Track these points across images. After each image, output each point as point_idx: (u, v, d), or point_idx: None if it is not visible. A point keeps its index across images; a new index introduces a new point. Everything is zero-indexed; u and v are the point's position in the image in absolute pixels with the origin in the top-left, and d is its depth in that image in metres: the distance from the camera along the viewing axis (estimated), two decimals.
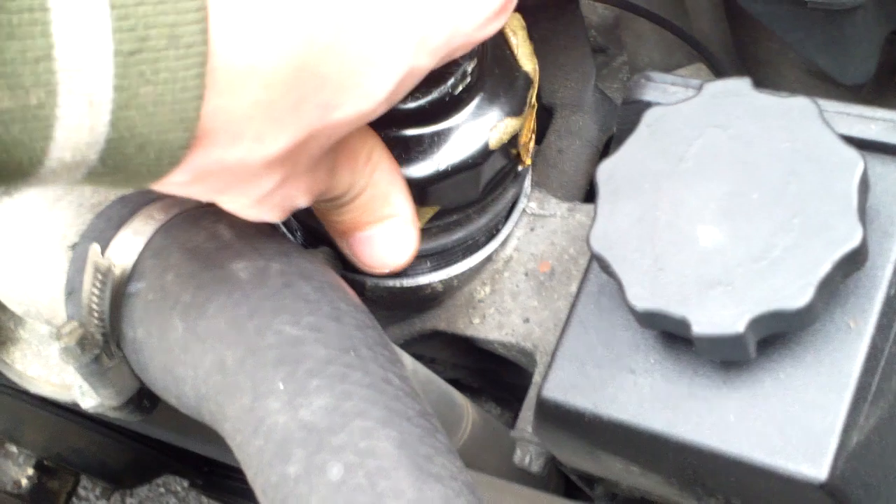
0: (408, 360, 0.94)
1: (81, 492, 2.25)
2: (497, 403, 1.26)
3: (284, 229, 0.98)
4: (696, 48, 1.26)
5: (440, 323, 1.02)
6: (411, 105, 0.77)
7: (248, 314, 0.68)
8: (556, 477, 1.13)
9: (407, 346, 1.05)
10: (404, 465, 0.62)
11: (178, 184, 0.60)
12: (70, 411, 1.17)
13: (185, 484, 2.24)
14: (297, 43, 0.57)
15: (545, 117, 1.19)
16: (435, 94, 0.77)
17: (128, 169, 0.56)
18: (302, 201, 0.69)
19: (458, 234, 0.91)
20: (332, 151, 0.68)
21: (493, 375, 1.18)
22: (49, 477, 1.35)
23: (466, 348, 1.04)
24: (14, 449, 1.31)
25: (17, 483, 1.31)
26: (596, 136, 1.17)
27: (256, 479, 0.65)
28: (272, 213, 0.68)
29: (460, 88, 0.78)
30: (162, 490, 2.37)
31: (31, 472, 1.32)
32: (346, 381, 0.66)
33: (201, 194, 0.64)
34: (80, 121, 0.52)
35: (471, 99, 0.80)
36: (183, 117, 0.54)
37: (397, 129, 0.79)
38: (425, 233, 0.87)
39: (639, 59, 1.29)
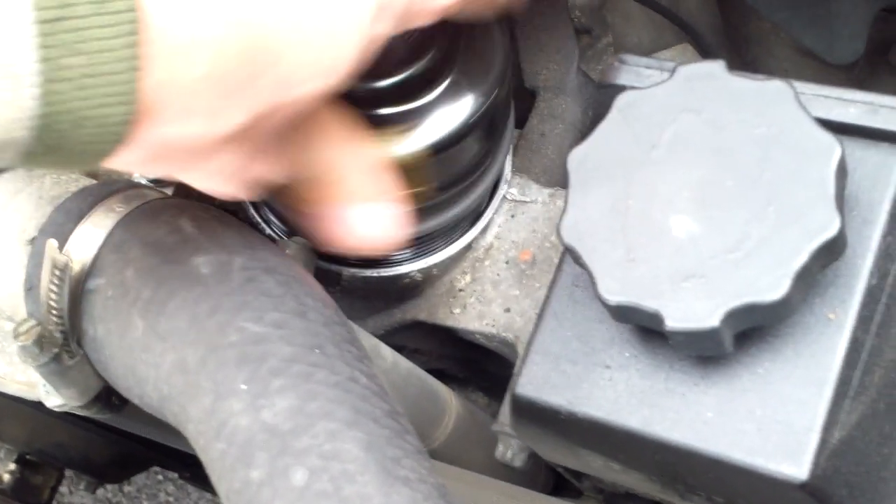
0: (387, 352, 0.92)
1: (69, 486, 2.24)
2: (484, 393, 1.24)
3: (260, 219, 0.96)
4: (683, 28, 1.23)
5: (420, 313, 1.01)
6: (388, 82, 0.76)
7: (210, 311, 0.66)
8: (545, 470, 1.11)
9: (388, 336, 1.03)
10: (371, 469, 0.60)
11: (134, 162, 0.59)
12: None
13: None
14: (245, 14, 0.54)
15: (527, 100, 1.17)
16: (412, 70, 0.76)
17: (67, 147, 0.53)
18: (274, 178, 0.67)
19: (442, 217, 0.89)
20: (303, 127, 0.66)
21: (478, 365, 1.17)
22: (32, 471, 1.34)
23: (449, 338, 1.02)
24: None
25: None
26: (579, 119, 1.15)
27: (220, 484, 0.63)
28: (244, 191, 0.66)
29: (435, 64, 0.77)
30: (160, 478, 2.37)
31: (12, 466, 1.31)
32: (310, 380, 0.64)
33: (162, 172, 0.63)
34: (2, 95, 0.49)
35: (446, 75, 0.78)
36: (120, 90, 0.52)
37: (375, 107, 0.77)
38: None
39: (626, 40, 1.27)
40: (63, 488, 2.24)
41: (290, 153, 0.67)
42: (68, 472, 1.47)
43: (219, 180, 0.64)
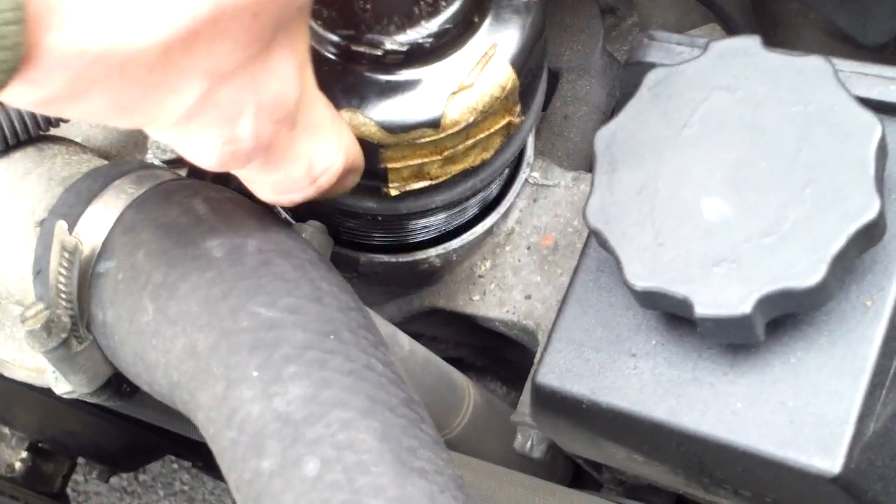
0: (405, 339, 0.90)
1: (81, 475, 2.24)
2: (503, 383, 1.22)
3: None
4: (710, 8, 1.21)
5: (439, 300, 0.99)
6: (403, 42, 0.74)
7: (222, 295, 0.64)
8: (564, 461, 1.09)
9: (406, 324, 1.01)
10: (386, 460, 0.59)
11: (55, 97, 0.51)
12: None
13: None
14: None
15: (551, 82, 1.15)
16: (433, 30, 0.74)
17: None
18: (248, 116, 0.59)
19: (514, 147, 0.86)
20: (267, 51, 0.58)
21: (497, 354, 1.15)
22: (44, 460, 1.33)
23: (468, 326, 1.01)
24: (6, 431, 1.29)
25: (10, 466, 1.29)
26: (604, 101, 1.13)
27: (230, 473, 0.61)
28: (215, 136, 0.59)
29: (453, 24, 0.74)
30: (175, 466, 2.36)
31: (24, 454, 1.30)
32: (325, 367, 0.62)
33: (104, 114, 0.55)
34: None
35: (467, 37, 0.76)
36: None
37: (390, 72, 0.75)
38: (434, 188, 0.83)
39: (652, 20, 1.25)
40: (78, 476, 2.23)
41: (265, 79, 0.59)
42: (81, 461, 1.46)
43: (181, 119, 0.56)
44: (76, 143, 0.80)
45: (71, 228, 0.70)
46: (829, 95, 0.63)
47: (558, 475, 1.11)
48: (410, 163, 0.79)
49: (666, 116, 0.66)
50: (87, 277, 0.69)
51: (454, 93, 0.75)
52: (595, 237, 0.67)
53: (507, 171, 0.92)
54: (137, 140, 0.86)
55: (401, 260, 0.94)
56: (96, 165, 0.76)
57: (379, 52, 0.73)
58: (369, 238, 0.92)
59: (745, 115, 0.64)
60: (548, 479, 1.05)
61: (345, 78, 0.75)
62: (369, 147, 0.75)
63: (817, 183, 0.61)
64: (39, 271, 0.71)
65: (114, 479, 2.26)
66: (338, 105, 0.72)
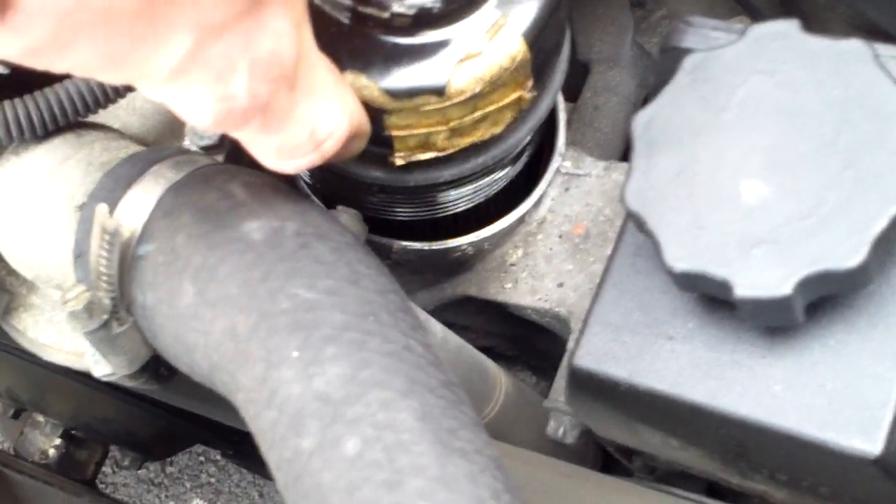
0: (437, 327, 0.90)
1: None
2: (532, 372, 1.22)
3: (309, 190, 0.94)
4: (738, 1, 1.20)
5: (471, 288, 0.99)
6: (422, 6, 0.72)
7: (261, 277, 0.65)
8: (594, 449, 1.09)
9: (437, 312, 1.02)
10: (426, 439, 0.59)
11: (40, 45, 0.51)
12: (96, 380, 1.15)
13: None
14: None
15: (581, 73, 1.15)
16: None
17: None
18: (243, 73, 0.58)
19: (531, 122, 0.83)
20: (260, 6, 0.58)
21: (528, 343, 1.15)
22: (77, 447, 1.34)
23: (499, 315, 1.01)
24: (41, 418, 1.30)
25: (44, 453, 1.30)
26: (634, 92, 1.13)
27: (270, 453, 0.62)
28: (208, 93, 0.58)
29: None
30: (202, 459, 2.37)
31: (58, 441, 1.30)
32: (364, 348, 0.62)
33: (92, 65, 0.54)
34: None
35: (478, 5, 0.74)
36: None
37: (396, 36, 0.74)
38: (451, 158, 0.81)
39: (680, 13, 1.25)
40: (106, 468, 2.24)
41: (257, 31, 0.58)
42: (114, 448, 1.47)
43: (172, 73, 0.56)
44: (114, 130, 0.81)
45: (111, 212, 0.70)
46: (869, 79, 0.62)
47: (589, 463, 1.11)
48: (416, 132, 0.77)
49: (704, 100, 0.66)
50: (127, 260, 0.69)
51: (461, 61, 0.73)
52: (633, 220, 0.66)
53: (529, 156, 0.92)
54: (174, 127, 0.86)
55: (433, 248, 0.94)
56: (135, 151, 0.77)
57: (386, 15, 0.72)
58: (395, 210, 0.91)
59: (783, 99, 0.64)
60: (580, 465, 1.06)
61: (351, 40, 0.74)
62: (373, 112, 0.73)
63: (857, 166, 0.61)
64: (80, 255, 0.71)
65: (141, 472, 2.27)
66: (342, 67, 0.71)
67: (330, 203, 0.93)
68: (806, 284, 0.60)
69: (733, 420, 0.65)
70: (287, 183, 0.75)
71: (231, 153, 0.82)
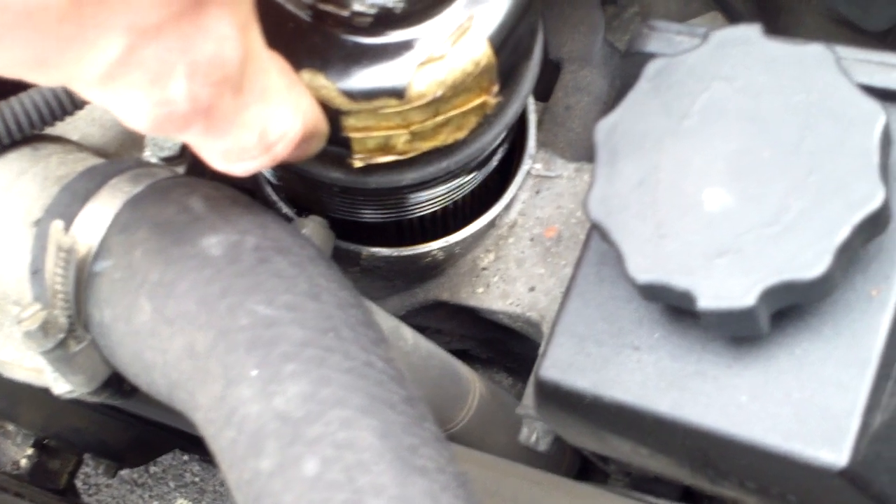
0: (408, 333, 0.90)
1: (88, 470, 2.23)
2: (509, 374, 1.22)
3: (277, 198, 0.93)
4: None
5: (443, 293, 0.98)
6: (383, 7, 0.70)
7: (220, 293, 0.64)
8: (571, 453, 1.09)
9: (409, 317, 1.01)
10: (386, 458, 0.58)
11: None
12: None
13: None
14: None
15: (552, 73, 1.14)
16: None
17: None
18: (181, 77, 0.56)
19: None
20: (198, 7, 0.56)
21: (503, 346, 1.14)
22: (49, 456, 1.32)
23: (473, 318, 1.00)
24: (11, 428, 1.28)
25: (15, 463, 1.28)
26: (605, 91, 1.12)
27: (229, 473, 0.61)
28: (144, 97, 0.56)
29: None
30: (185, 458, 2.36)
31: (30, 451, 1.29)
32: (323, 365, 0.61)
33: (22, 67, 0.53)
34: None
35: (443, 7, 0.72)
36: None
37: (356, 36, 0.72)
38: (414, 161, 0.79)
39: (653, 9, 1.24)
40: (89, 469, 2.23)
41: (193, 33, 0.57)
42: (87, 457, 1.45)
43: (106, 75, 0.54)
44: (72, 142, 0.80)
45: (67, 228, 0.69)
46: (832, 83, 0.62)
47: (565, 467, 1.11)
48: (375, 134, 0.75)
49: (666, 107, 0.65)
50: (83, 277, 0.68)
51: (422, 63, 0.71)
52: (596, 230, 0.66)
53: (499, 159, 0.90)
54: (135, 138, 0.85)
55: (403, 254, 0.93)
56: (92, 164, 0.75)
57: (346, 13, 0.70)
58: (359, 211, 0.89)
59: (746, 105, 0.63)
60: (554, 470, 1.05)
61: (309, 37, 0.71)
62: (331, 113, 0.71)
63: (820, 172, 0.60)
64: (36, 271, 0.71)
65: (124, 472, 2.26)
66: (300, 65, 0.69)
67: (295, 203, 0.92)
68: (770, 294, 0.60)
69: (699, 431, 0.65)
70: (249, 192, 0.74)
71: (193, 164, 0.81)
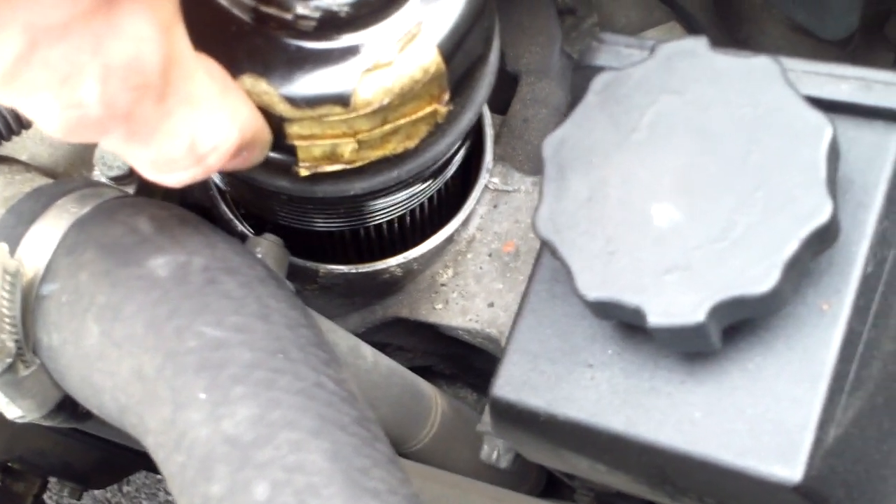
0: (368, 351, 0.89)
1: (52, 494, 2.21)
2: (473, 389, 1.21)
3: (232, 216, 0.92)
4: (671, 6, 1.20)
5: (402, 309, 0.97)
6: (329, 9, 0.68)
7: (167, 315, 0.63)
8: (536, 468, 1.08)
9: (369, 334, 1.00)
10: (337, 481, 0.57)
11: None
12: None
13: None
14: None
15: (510, 85, 1.13)
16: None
17: None
18: (92, 79, 0.54)
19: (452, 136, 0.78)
20: (111, 6, 0.53)
21: (465, 361, 1.13)
22: (14, 479, 1.31)
23: (433, 335, 0.99)
24: None
25: None
26: (564, 103, 1.11)
27: (180, 498, 0.60)
28: (52, 99, 0.54)
29: None
30: (159, 477, 2.34)
31: None
32: (273, 387, 0.61)
33: None
34: None
35: (391, 12, 0.69)
36: None
37: (300, 40, 0.69)
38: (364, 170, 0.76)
39: (614, 19, 1.23)
40: (52, 494, 2.21)
41: (103, 29, 0.54)
42: (52, 479, 1.44)
43: (26, 91, 0.53)
44: (20, 162, 0.79)
45: (13, 250, 0.69)
46: (778, 96, 0.61)
47: (531, 482, 1.10)
48: (320, 143, 0.72)
49: (614, 121, 0.65)
50: (31, 300, 0.68)
51: (368, 70, 0.68)
52: (546, 246, 0.65)
53: (455, 169, 0.89)
54: (84, 157, 0.84)
55: (361, 270, 0.92)
56: (39, 185, 0.74)
57: (289, 16, 0.67)
58: (310, 219, 0.86)
59: (693, 119, 0.63)
60: (519, 486, 1.04)
61: (251, 40, 0.68)
62: (274, 120, 0.69)
63: (768, 186, 0.60)
64: None
65: (97, 491, 2.24)
66: (240, 69, 0.67)
67: (248, 213, 0.91)
68: (719, 310, 0.59)
69: (654, 448, 0.64)
70: (204, 209, 0.73)
71: (143, 184, 0.80)
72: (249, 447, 0.58)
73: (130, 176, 0.79)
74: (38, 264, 0.68)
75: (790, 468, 0.60)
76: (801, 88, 0.62)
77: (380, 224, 0.89)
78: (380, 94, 0.69)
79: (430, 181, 0.86)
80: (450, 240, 0.94)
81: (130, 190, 0.79)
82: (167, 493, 2.34)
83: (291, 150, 0.72)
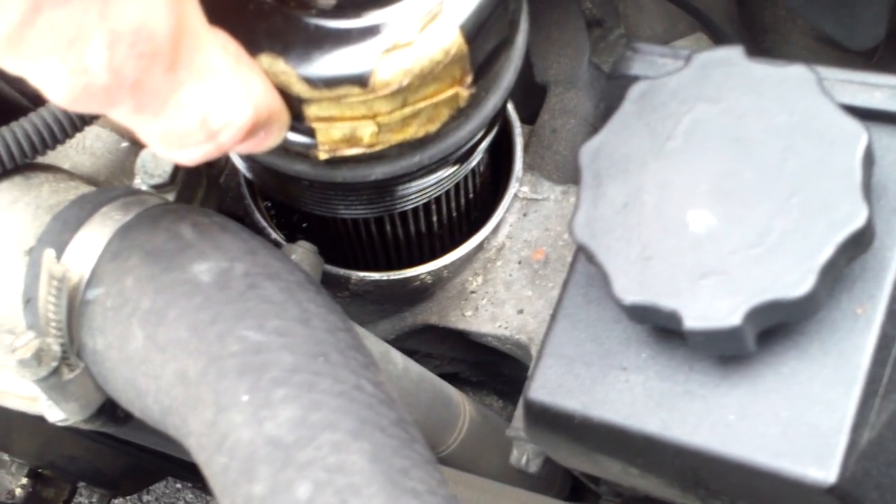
0: (398, 357, 0.90)
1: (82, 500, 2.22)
2: (499, 397, 1.22)
3: (266, 224, 0.94)
4: (697, 18, 1.21)
5: (432, 317, 0.99)
6: None
7: (210, 320, 0.64)
8: (562, 474, 1.09)
9: (399, 341, 1.01)
10: (377, 481, 0.58)
11: None
12: None
13: None
14: None
15: (538, 96, 1.14)
16: None
17: None
18: (99, 44, 0.53)
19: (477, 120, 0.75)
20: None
21: (492, 368, 1.14)
22: (44, 485, 1.32)
23: (462, 342, 1.00)
24: (6, 458, 1.28)
25: (10, 493, 1.28)
26: (592, 113, 1.13)
27: (223, 498, 0.61)
28: (57, 64, 0.53)
29: None
30: (178, 486, 2.35)
31: (24, 480, 1.29)
32: (314, 390, 0.61)
33: None
34: None
35: None
36: None
37: (319, 19, 0.67)
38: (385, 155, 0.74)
39: (640, 31, 1.25)
40: (82, 499, 2.22)
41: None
42: (82, 485, 1.45)
43: (31, 56, 0.52)
44: (63, 171, 0.80)
45: (59, 256, 0.70)
46: (814, 104, 0.62)
47: (556, 488, 1.11)
48: (339, 125, 0.70)
49: (650, 129, 0.66)
50: (76, 305, 0.69)
51: (388, 50, 0.66)
52: (582, 252, 0.66)
53: (486, 180, 0.89)
54: (125, 166, 0.85)
55: (392, 278, 0.93)
56: (83, 192, 0.76)
57: None
58: (333, 205, 0.83)
59: (729, 127, 0.64)
60: (545, 491, 1.05)
61: (269, 19, 0.67)
62: (292, 101, 0.67)
63: (804, 192, 0.61)
64: (29, 300, 0.71)
65: (117, 501, 2.25)
66: (258, 48, 0.65)
67: (273, 203, 0.91)
68: (755, 314, 0.60)
69: (688, 450, 0.65)
70: (238, 218, 0.74)
71: (183, 191, 0.81)
72: (291, 448, 0.59)
73: (171, 184, 0.80)
74: (83, 270, 0.69)
75: (825, 470, 0.61)
76: (835, 96, 0.62)
77: (409, 230, 0.90)
78: (399, 75, 0.67)
79: (456, 167, 0.83)
80: (479, 248, 0.95)
81: (170, 197, 0.81)
82: (186, 501, 2.35)
83: (310, 133, 0.71)
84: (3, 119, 0.75)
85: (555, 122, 1.12)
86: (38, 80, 0.54)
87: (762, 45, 1.21)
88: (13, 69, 0.53)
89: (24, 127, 0.75)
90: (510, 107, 0.96)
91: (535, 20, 1.10)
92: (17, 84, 0.89)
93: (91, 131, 0.86)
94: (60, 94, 0.54)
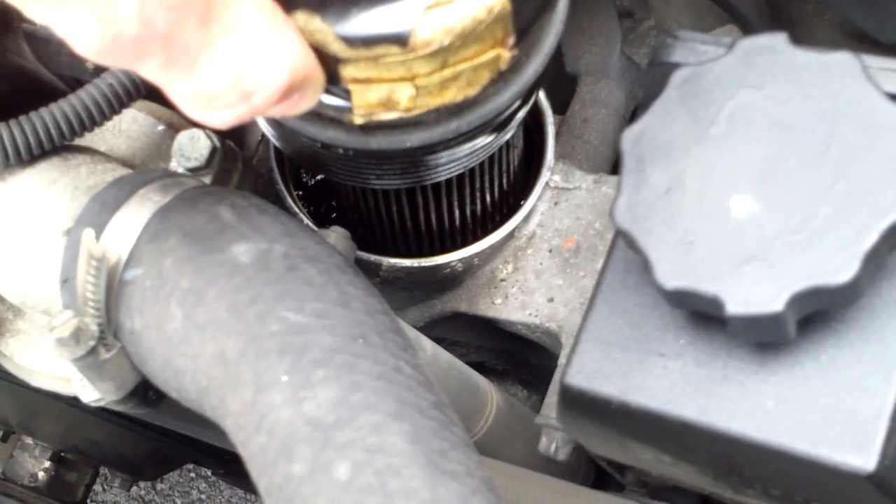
0: (427, 344, 0.90)
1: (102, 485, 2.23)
2: (524, 386, 1.22)
3: (297, 210, 0.94)
4: (726, 9, 1.21)
5: (461, 304, 0.99)
6: None
7: (250, 300, 0.64)
8: (586, 464, 1.09)
9: (428, 328, 1.01)
10: (417, 462, 0.58)
11: None
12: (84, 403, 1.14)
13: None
14: None
15: (569, 86, 1.15)
16: None
17: None
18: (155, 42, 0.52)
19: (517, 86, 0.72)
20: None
21: (519, 357, 1.14)
22: (67, 469, 1.33)
23: (490, 330, 1.01)
24: (30, 441, 1.29)
25: (33, 476, 1.29)
26: (623, 103, 1.13)
27: (260, 478, 0.61)
28: (86, 12, 0.51)
29: None
30: (192, 475, 2.36)
31: (47, 464, 1.30)
32: (354, 371, 0.62)
33: None
34: None
35: None
36: None
37: None
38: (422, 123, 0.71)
39: (667, 22, 1.25)
40: (97, 486, 2.23)
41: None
42: (103, 470, 1.46)
43: (59, 3, 0.50)
44: (100, 153, 0.80)
45: (98, 237, 0.70)
46: (858, 91, 0.62)
47: (580, 478, 1.11)
48: (376, 86, 0.67)
49: (693, 115, 0.66)
50: (114, 285, 0.69)
51: (429, 7, 0.63)
52: (623, 237, 0.66)
53: (518, 168, 0.88)
54: (161, 150, 0.86)
55: (423, 265, 0.93)
56: (121, 174, 0.76)
57: None
58: (364, 175, 0.81)
59: (772, 113, 0.64)
60: (570, 481, 1.05)
61: None
62: (329, 61, 0.64)
63: (847, 179, 0.61)
64: (67, 280, 0.71)
65: (132, 489, 2.26)
66: (294, 5, 0.63)
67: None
68: (797, 300, 0.60)
69: (725, 437, 0.65)
70: (278, 205, 0.74)
71: (219, 175, 0.82)
72: (331, 428, 0.59)
73: (207, 167, 0.81)
74: (121, 250, 0.69)
75: (863, 457, 0.61)
76: (880, 84, 0.63)
77: (441, 209, 0.89)
78: (440, 33, 0.64)
79: (492, 137, 0.79)
80: (510, 236, 0.95)
81: (207, 180, 0.81)
82: (200, 491, 2.36)
83: (345, 96, 0.68)
84: (41, 102, 0.76)
85: (586, 112, 1.12)
86: (64, 30, 0.52)
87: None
88: (39, 18, 0.52)
89: (62, 109, 0.75)
90: (542, 95, 0.96)
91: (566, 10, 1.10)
92: (55, 67, 0.90)
93: (127, 114, 0.87)
94: (88, 44, 0.52)
